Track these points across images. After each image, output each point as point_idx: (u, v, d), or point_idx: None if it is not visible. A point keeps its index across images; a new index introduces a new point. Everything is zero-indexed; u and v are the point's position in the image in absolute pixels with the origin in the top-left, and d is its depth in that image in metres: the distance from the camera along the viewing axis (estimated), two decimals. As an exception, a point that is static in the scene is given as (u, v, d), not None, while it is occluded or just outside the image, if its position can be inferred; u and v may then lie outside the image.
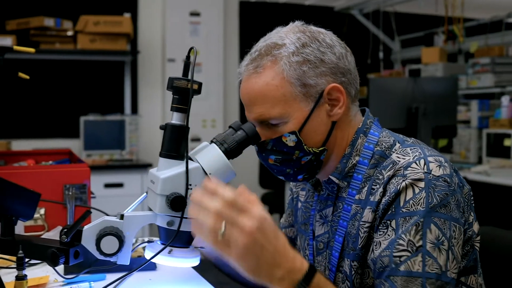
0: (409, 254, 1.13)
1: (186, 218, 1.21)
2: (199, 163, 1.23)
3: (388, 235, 1.17)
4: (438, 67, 5.54)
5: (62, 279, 1.49)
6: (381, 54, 6.55)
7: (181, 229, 1.21)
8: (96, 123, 5.17)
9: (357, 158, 1.31)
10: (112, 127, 5.21)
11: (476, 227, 1.27)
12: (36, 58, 5.15)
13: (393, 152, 1.28)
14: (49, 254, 1.21)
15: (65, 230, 1.23)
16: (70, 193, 1.62)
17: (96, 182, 4.73)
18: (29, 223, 1.86)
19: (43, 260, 1.25)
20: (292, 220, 1.61)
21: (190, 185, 1.21)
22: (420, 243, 1.13)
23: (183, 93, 1.23)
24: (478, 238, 1.28)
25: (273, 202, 5.13)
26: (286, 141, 1.28)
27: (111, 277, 1.48)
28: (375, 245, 1.20)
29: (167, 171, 1.22)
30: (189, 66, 1.25)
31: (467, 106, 5.29)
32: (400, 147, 1.29)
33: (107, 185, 4.78)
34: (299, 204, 1.54)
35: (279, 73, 1.26)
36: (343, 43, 1.34)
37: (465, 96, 5.59)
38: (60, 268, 1.57)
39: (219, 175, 1.23)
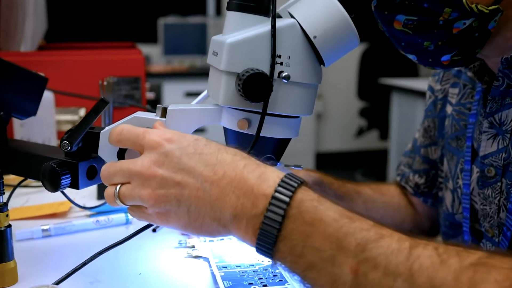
0: None
1: (269, 114, 0.70)
2: (295, 18, 0.68)
3: None
4: None
5: (93, 206, 1.03)
6: None
7: (265, 133, 0.70)
8: (176, 26, 4.73)
9: None
10: (193, 30, 4.75)
11: None
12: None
13: None
14: (45, 172, 0.72)
15: (68, 133, 0.73)
16: (106, 83, 1.12)
17: (176, 90, 4.36)
18: (66, 126, 1.40)
19: (38, 179, 0.77)
20: (435, 135, 1.04)
21: (279, 56, 0.68)
22: None
23: None
24: None
25: (373, 117, 4.51)
26: None
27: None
28: None
29: (239, 33, 0.69)
30: None
31: None
32: None
33: (188, 94, 4.36)
34: (449, 109, 0.97)
35: None
36: None
37: None
38: (93, 190, 1.11)
39: (331, 39, 0.69)
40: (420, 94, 3.41)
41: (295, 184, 0.56)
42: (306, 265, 0.53)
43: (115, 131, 0.66)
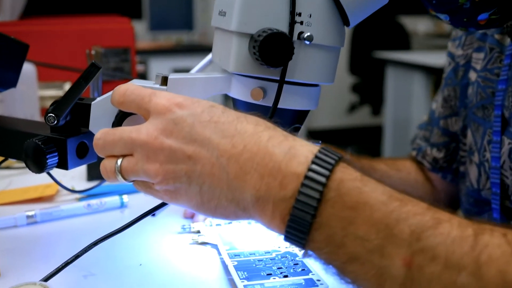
0: None
1: (288, 83, 0.61)
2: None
3: None
4: None
5: (83, 189, 0.93)
6: None
7: (282, 105, 0.61)
8: (162, 1, 4.61)
9: None
10: (179, 4, 4.62)
11: None
12: None
13: None
14: (29, 150, 0.63)
15: (54, 104, 0.64)
16: (94, 52, 1.03)
17: (163, 67, 4.24)
18: (50, 102, 1.30)
19: (19, 158, 0.68)
20: (456, 105, 0.95)
21: (299, 14, 0.59)
22: None
23: None
24: None
25: (365, 92, 4.42)
26: None
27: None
28: None
29: (251, -13, 0.59)
30: None
31: None
32: None
33: (176, 71, 4.23)
34: (473, 76, 0.89)
35: None
36: None
37: None
38: (83, 171, 1.02)
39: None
40: (416, 67, 3.33)
41: (333, 161, 0.46)
42: (347, 256, 0.45)
43: (119, 91, 0.56)
